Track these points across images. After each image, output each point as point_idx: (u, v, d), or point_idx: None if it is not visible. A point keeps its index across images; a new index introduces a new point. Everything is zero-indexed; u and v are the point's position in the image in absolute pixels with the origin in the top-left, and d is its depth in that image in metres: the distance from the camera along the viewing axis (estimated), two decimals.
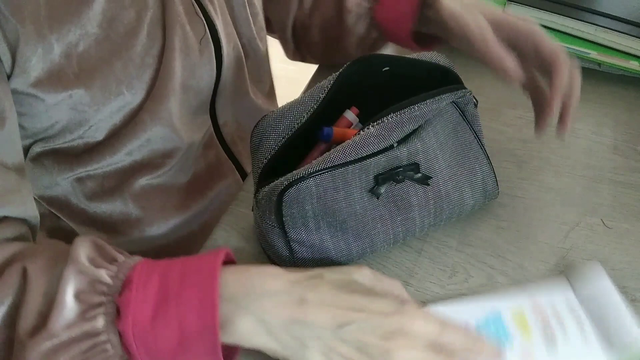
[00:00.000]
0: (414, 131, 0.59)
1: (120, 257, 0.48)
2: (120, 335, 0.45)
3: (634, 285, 0.58)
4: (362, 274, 0.50)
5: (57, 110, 0.58)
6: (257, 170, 0.59)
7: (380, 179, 0.57)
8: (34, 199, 0.70)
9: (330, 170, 0.55)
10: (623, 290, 0.58)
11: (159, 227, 0.74)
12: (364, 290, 0.48)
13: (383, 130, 0.56)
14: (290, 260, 0.58)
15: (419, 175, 0.59)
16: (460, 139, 0.62)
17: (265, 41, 0.81)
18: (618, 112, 0.78)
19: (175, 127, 0.67)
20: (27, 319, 0.45)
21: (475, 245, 0.62)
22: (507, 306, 0.55)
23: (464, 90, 0.61)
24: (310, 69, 0.88)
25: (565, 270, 0.59)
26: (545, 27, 0.84)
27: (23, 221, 0.54)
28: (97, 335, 0.44)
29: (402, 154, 0.58)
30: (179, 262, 0.47)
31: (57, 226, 0.74)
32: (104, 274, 0.46)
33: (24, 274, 0.46)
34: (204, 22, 0.65)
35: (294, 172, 0.55)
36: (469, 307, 0.56)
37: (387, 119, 0.57)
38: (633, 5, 0.83)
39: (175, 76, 0.63)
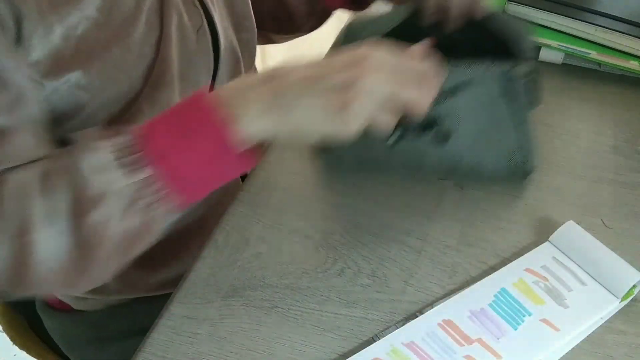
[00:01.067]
0: (445, 92, 0.61)
1: (122, 129, 0.52)
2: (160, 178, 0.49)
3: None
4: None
5: (54, 96, 0.58)
6: None
7: (400, 131, 0.61)
8: None
9: None
10: None
11: None
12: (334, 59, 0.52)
13: None
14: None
15: (437, 131, 0.61)
16: (492, 112, 0.63)
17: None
18: (618, 112, 0.78)
19: None
20: (87, 199, 0.49)
21: (475, 245, 0.62)
22: (507, 282, 0.58)
23: (506, 67, 0.61)
24: None
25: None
26: (545, 27, 0.84)
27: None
28: (149, 184, 0.49)
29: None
30: (169, 112, 0.52)
31: None
32: (122, 140, 0.50)
33: (65, 172, 0.50)
34: (201, 12, 0.65)
35: None
36: (474, 296, 0.57)
37: None
38: (633, 5, 0.83)
39: (173, 65, 0.63)
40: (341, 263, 0.61)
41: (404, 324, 0.55)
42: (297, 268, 0.61)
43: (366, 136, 0.52)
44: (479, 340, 0.54)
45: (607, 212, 0.65)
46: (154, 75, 0.62)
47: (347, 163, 0.69)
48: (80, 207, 0.49)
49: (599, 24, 0.81)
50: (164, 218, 0.52)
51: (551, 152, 0.72)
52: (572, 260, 0.59)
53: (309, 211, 0.66)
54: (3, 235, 0.49)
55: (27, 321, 0.86)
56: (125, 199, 0.49)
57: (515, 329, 0.54)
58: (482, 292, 0.57)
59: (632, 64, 0.80)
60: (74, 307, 0.77)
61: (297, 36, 0.91)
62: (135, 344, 0.56)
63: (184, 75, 0.65)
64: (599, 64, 0.82)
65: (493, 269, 0.60)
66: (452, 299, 0.57)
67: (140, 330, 0.58)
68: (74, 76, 0.57)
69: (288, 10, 0.85)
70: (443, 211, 0.66)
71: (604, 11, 0.82)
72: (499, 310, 0.56)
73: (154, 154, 0.49)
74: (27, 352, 0.86)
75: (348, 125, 0.50)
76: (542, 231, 0.63)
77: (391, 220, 0.65)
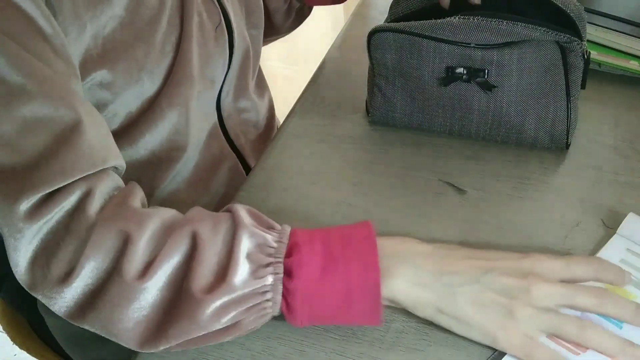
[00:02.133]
0: (497, 45, 0.65)
1: (277, 225, 0.53)
2: (284, 296, 0.49)
3: None
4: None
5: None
6: (388, 19, 0.72)
7: (451, 71, 0.67)
8: None
9: (407, 34, 0.67)
10: None
11: None
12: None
13: (464, 26, 0.64)
14: (368, 102, 0.75)
15: (483, 79, 0.66)
16: (548, 77, 0.67)
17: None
18: (618, 112, 0.78)
19: (189, 115, 0.67)
20: (204, 276, 0.48)
21: (475, 245, 0.62)
22: (594, 282, 0.56)
23: (568, 36, 0.64)
24: (309, 67, 0.88)
25: (613, 229, 0.62)
26: None
27: (115, 169, 0.55)
28: (264, 293, 0.49)
29: (477, 56, 0.66)
30: (335, 229, 0.53)
31: None
32: (269, 238, 0.51)
33: (194, 236, 0.49)
34: (219, 9, 0.66)
35: (382, 24, 0.68)
36: None
37: (472, 19, 0.63)
38: (633, 5, 0.83)
39: (192, 63, 0.64)
40: None
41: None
42: None
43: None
44: None
45: (607, 212, 0.65)
46: (173, 74, 0.63)
47: (400, 105, 0.72)
48: (186, 277, 0.48)
49: (599, 24, 0.81)
50: (254, 326, 0.51)
51: (551, 152, 0.72)
52: None
53: (309, 211, 0.66)
54: (96, 267, 0.48)
55: (28, 321, 0.87)
56: (235, 296, 0.48)
57: (621, 328, 0.53)
58: None
59: (632, 64, 0.80)
60: None
61: (276, 38, 0.91)
62: None
63: (203, 72, 0.66)
64: (599, 64, 0.82)
65: None
66: None
67: None
68: (100, 75, 0.57)
69: (267, 10, 0.85)
70: (443, 211, 0.66)
71: (604, 11, 0.82)
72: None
73: (292, 266, 0.49)
74: (27, 352, 0.86)
75: (509, 334, 0.50)
76: (544, 231, 0.63)
77: (391, 220, 0.65)
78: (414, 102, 0.72)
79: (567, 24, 0.65)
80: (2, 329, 0.86)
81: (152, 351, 0.50)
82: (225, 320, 0.48)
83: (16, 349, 0.85)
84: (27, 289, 0.51)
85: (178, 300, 0.48)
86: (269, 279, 0.49)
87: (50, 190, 0.48)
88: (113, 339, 0.50)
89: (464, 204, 0.67)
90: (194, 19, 0.63)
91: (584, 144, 0.73)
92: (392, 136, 0.75)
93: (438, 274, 0.51)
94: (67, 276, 0.48)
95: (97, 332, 0.50)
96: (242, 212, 0.52)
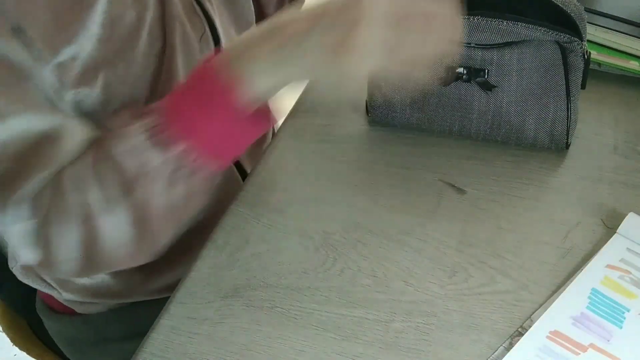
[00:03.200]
0: (497, 44, 0.65)
1: (148, 109, 0.54)
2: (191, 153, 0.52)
3: None
4: None
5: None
6: None
7: (451, 71, 0.66)
8: None
9: None
10: None
11: None
12: None
13: (464, 25, 0.63)
14: (368, 102, 0.74)
15: (483, 79, 0.66)
16: (548, 77, 0.67)
17: None
18: (618, 112, 0.78)
19: None
20: (132, 179, 0.53)
21: (475, 245, 0.62)
22: (595, 281, 0.57)
23: (569, 37, 0.64)
24: None
25: (613, 229, 0.62)
26: None
27: None
28: (182, 156, 0.52)
29: (477, 56, 0.66)
30: (186, 86, 0.53)
31: None
32: (151, 120, 0.53)
33: (108, 157, 0.54)
34: (203, 20, 0.65)
35: None
36: (569, 301, 0.56)
37: (472, 18, 0.64)
38: (633, 5, 0.83)
39: (178, 75, 0.63)
40: (341, 263, 0.61)
41: (510, 343, 0.54)
42: (297, 268, 0.61)
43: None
44: (592, 346, 0.53)
45: (607, 212, 0.65)
46: (160, 86, 0.63)
47: (399, 105, 0.72)
48: (127, 188, 0.53)
49: (599, 24, 0.81)
50: (205, 183, 0.56)
51: (551, 152, 0.72)
52: None
53: (309, 211, 0.66)
54: (70, 226, 0.54)
55: (28, 322, 0.86)
56: (164, 175, 0.53)
57: (621, 328, 0.54)
58: (575, 296, 0.56)
59: (632, 64, 0.80)
60: (77, 310, 0.77)
61: None
62: (136, 346, 0.56)
63: None
64: (599, 64, 0.82)
65: (493, 268, 0.60)
66: (549, 309, 0.55)
67: (141, 332, 0.58)
68: (81, 93, 0.57)
69: (259, 4, 0.84)
70: (443, 211, 0.66)
71: (604, 11, 0.82)
72: (598, 311, 0.55)
73: (180, 128, 0.52)
74: (27, 353, 0.86)
75: (354, 64, 0.48)
76: (544, 231, 0.63)
77: (391, 220, 0.65)
78: (414, 102, 0.72)
79: (567, 24, 0.65)
80: (2, 330, 0.86)
81: (155, 253, 0.59)
82: (176, 197, 0.54)
83: (16, 349, 0.85)
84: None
85: (138, 211, 0.54)
86: (176, 147, 0.52)
87: (24, 188, 0.54)
88: (122, 267, 0.59)
89: (464, 204, 0.67)
90: (176, 31, 0.62)
91: (584, 144, 0.73)
92: (392, 136, 0.75)
93: (277, 51, 0.50)
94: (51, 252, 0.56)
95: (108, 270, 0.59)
96: (122, 120, 0.56)
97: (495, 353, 0.53)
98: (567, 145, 0.71)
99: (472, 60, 0.67)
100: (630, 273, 0.58)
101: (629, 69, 0.81)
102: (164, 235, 0.58)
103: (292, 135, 0.76)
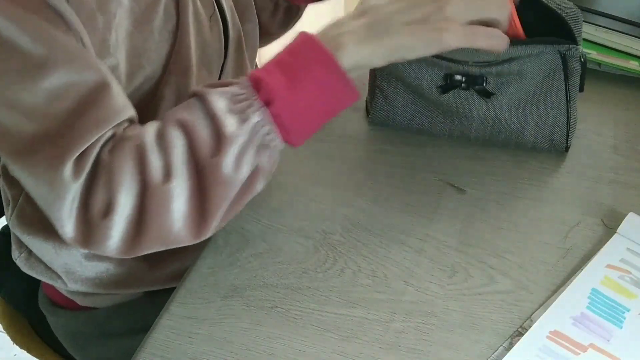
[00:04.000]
0: (496, 62, 0.65)
1: (234, 80, 0.56)
2: (275, 123, 0.54)
3: None
4: None
5: None
6: None
7: (449, 79, 0.66)
8: None
9: None
10: None
11: None
12: None
13: (461, 49, 0.61)
14: (368, 103, 0.76)
15: (481, 87, 0.66)
16: (548, 83, 0.67)
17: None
18: (618, 112, 0.78)
19: None
20: (207, 146, 0.53)
21: (475, 245, 0.62)
22: (595, 281, 0.57)
23: (567, 45, 0.64)
24: None
25: (613, 229, 0.62)
26: None
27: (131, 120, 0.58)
28: (259, 130, 0.53)
29: (475, 72, 0.66)
30: (282, 53, 0.56)
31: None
32: (235, 89, 0.54)
33: (181, 125, 0.54)
34: (213, 1, 0.67)
35: None
36: (569, 301, 0.56)
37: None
38: (633, 5, 0.83)
39: (191, 52, 0.65)
40: (341, 263, 0.61)
41: (510, 343, 0.54)
42: (297, 268, 0.61)
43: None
44: (592, 346, 0.53)
45: (607, 212, 0.65)
46: (172, 62, 0.64)
47: (401, 108, 0.72)
48: (195, 154, 0.53)
49: (599, 24, 0.81)
50: (271, 165, 0.56)
51: (551, 152, 0.72)
52: None
53: (309, 211, 0.66)
54: (127, 194, 0.52)
55: (28, 321, 0.87)
56: (238, 145, 0.53)
57: (621, 328, 0.54)
58: (575, 296, 0.56)
59: (632, 64, 0.80)
60: (80, 303, 0.77)
61: (271, 38, 0.90)
62: (139, 341, 0.56)
63: (201, 62, 0.67)
64: (599, 64, 0.82)
65: (493, 268, 0.60)
66: (549, 309, 0.56)
67: (144, 328, 0.58)
68: (109, 62, 0.58)
69: (255, 8, 0.84)
70: (443, 211, 0.66)
71: (604, 11, 0.82)
72: (598, 311, 0.55)
73: (265, 96, 0.53)
74: (28, 352, 0.86)
75: (450, 30, 0.53)
76: (544, 231, 0.63)
77: (391, 220, 0.65)
78: (415, 106, 0.72)
79: (563, 29, 0.64)
80: (2, 329, 0.86)
81: (210, 234, 0.56)
82: (246, 169, 0.54)
83: (16, 348, 0.85)
84: (79, 246, 0.55)
85: (203, 178, 0.53)
86: (255, 117, 0.53)
87: (86, 146, 0.52)
88: (175, 246, 0.56)
89: (464, 204, 0.67)
90: (189, 8, 0.64)
91: (584, 144, 0.73)
92: (392, 136, 0.75)
93: (368, 28, 0.54)
94: (108, 214, 0.52)
95: (158, 249, 0.56)
96: (201, 87, 0.56)
97: (495, 353, 0.53)
98: (567, 149, 0.71)
99: (470, 73, 0.67)
100: (630, 273, 0.58)
101: (629, 69, 0.81)
102: (220, 216, 0.55)
103: None
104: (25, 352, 0.86)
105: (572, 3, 0.67)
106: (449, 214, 0.65)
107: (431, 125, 0.72)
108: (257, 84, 0.53)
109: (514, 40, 0.62)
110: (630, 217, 0.62)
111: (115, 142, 0.54)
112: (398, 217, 0.65)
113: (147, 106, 0.65)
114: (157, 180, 0.52)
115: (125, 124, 0.56)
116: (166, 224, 0.53)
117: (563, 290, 0.57)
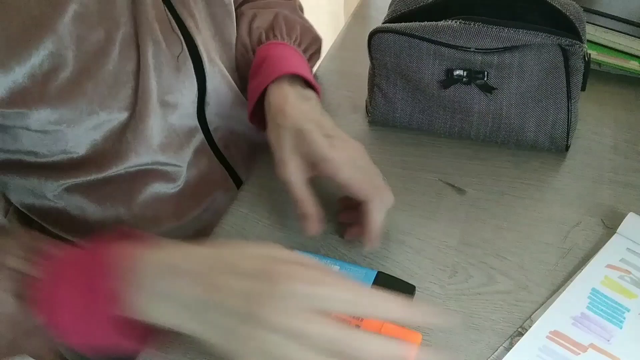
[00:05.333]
0: (498, 49, 0.65)
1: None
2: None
3: None
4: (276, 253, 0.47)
5: (25, 132, 0.58)
6: (386, 18, 0.72)
7: (450, 73, 0.67)
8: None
9: (407, 36, 0.67)
10: None
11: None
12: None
13: (464, 31, 0.64)
14: (368, 102, 0.76)
15: (483, 82, 0.66)
16: (549, 79, 0.67)
17: None
18: (618, 112, 0.78)
19: (159, 145, 0.66)
20: None
21: (475, 245, 0.62)
22: (595, 281, 0.57)
23: (570, 40, 0.64)
24: None
25: (613, 229, 0.63)
26: None
27: None
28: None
29: (477, 60, 0.66)
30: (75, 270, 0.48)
31: (42, 232, 0.73)
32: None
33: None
34: (181, 39, 0.64)
35: (385, 24, 0.69)
36: (569, 301, 0.56)
37: (473, 24, 0.64)
38: (633, 5, 0.83)
39: (152, 93, 0.62)
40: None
41: (510, 343, 0.54)
42: None
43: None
44: (592, 346, 0.53)
45: (607, 212, 0.65)
46: (137, 105, 0.62)
47: (400, 106, 0.73)
48: None
49: (599, 24, 0.81)
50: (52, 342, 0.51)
51: (551, 151, 0.72)
52: None
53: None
54: None
55: None
56: (10, 322, 0.49)
57: (621, 328, 0.54)
58: (575, 296, 0.57)
59: (632, 64, 0.80)
60: None
61: None
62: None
63: (163, 100, 0.64)
64: (599, 64, 0.82)
65: (493, 268, 0.60)
66: (549, 309, 0.56)
67: None
68: (43, 113, 0.56)
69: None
70: (443, 211, 0.66)
71: (604, 11, 0.82)
72: (598, 311, 0.55)
73: (49, 303, 0.47)
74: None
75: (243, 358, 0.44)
76: (544, 231, 0.63)
77: (391, 220, 0.65)
78: (415, 103, 0.72)
79: (567, 27, 0.65)
80: None
81: None
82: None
83: None
84: None
85: None
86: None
87: None
88: None
89: (464, 204, 0.67)
90: (149, 50, 0.61)
91: (584, 144, 0.73)
92: (392, 136, 0.75)
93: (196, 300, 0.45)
94: None
95: None
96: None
97: (495, 353, 0.53)
98: (567, 147, 0.71)
99: (472, 63, 0.67)
100: (630, 273, 0.58)
101: (629, 69, 0.81)
102: None
103: None
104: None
105: (575, 3, 0.67)
106: (449, 214, 0.65)
107: (431, 122, 0.72)
108: (44, 288, 0.48)
109: (517, 24, 0.63)
110: (630, 217, 0.62)
111: None
112: (398, 217, 0.65)
113: (114, 149, 0.63)
114: None
115: None
116: None
117: (563, 290, 0.57)
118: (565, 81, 0.67)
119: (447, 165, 0.71)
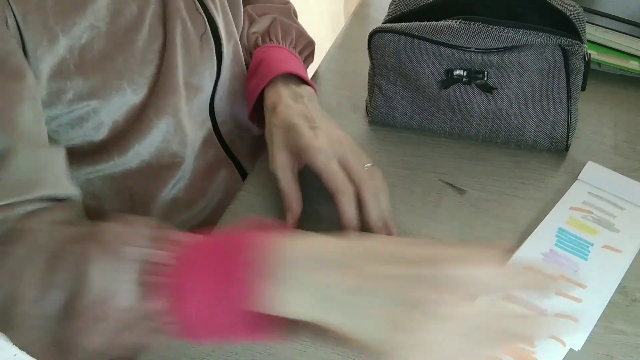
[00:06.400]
0: (498, 49, 0.66)
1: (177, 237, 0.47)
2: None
3: (633, 285, 0.58)
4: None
5: (57, 105, 0.58)
6: (386, 18, 0.73)
7: (450, 73, 0.67)
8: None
9: (407, 36, 0.67)
10: (623, 290, 0.58)
11: None
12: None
13: (464, 31, 0.64)
14: (368, 102, 0.76)
15: (483, 82, 0.66)
16: (549, 79, 0.68)
17: None
18: (618, 112, 0.78)
19: (181, 124, 0.67)
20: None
21: (475, 245, 0.62)
22: (561, 222, 0.64)
23: (570, 40, 0.64)
24: (309, 67, 0.88)
25: (575, 175, 0.68)
26: None
27: (65, 201, 0.53)
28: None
29: (477, 60, 0.67)
30: (213, 251, 0.45)
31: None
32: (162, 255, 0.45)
33: (80, 263, 0.46)
34: (205, 18, 0.65)
35: (385, 24, 0.69)
36: (539, 240, 0.62)
37: (473, 24, 0.64)
38: (633, 5, 0.83)
39: (177, 72, 0.64)
40: None
41: None
42: None
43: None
44: (561, 277, 0.55)
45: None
46: (159, 83, 0.63)
47: (400, 105, 0.73)
48: (72, 312, 0.45)
49: (599, 24, 0.81)
50: (154, 343, 0.48)
51: (551, 152, 0.72)
52: (605, 191, 0.66)
53: (308, 211, 0.66)
54: None
55: None
56: (123, 320, 0.44)
57: (586, 260, 0.60)
58: (543, 235, 0.63)
59: (632, 64, 0.80)
60: None
61: None
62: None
63: (188, 81, 0.66)
64: (599, 64, 0.82)
65: None
66: (520, 248, 0.62)
67: None
68: (76, 84, 0.57)
69: None
70: (443, 211, 0.66)
71: (604, 11, 0.82)
72: (565, 247, 0.61)
73: (178, 290, 0.44)
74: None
75: (401, 352, 0.40)
76: None
77: None
78: (415, 103, 0.72)
79: (567, 27, 0.65)
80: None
81: None
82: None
83: (16, 349, 0.85)
84: None
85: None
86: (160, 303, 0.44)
87: None
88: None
89: (464, 204, 0.67)
90: (177, 28, 0.62)
91: (584, 144, 0.73)
92: (392, 136, 0.75)
93: (336, 289, 0.42)
94: None
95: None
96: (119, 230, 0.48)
97: None
98: (567, 147, 0.71)
99: (472, 63, 0.67)
100: (592, 213, 0.65)
101: (629, 69, 0.81)
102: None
103: None
104: (25, 352, 0.86)
105: (575, 3, 0.67)
106: (449, 214, 0.65)
107: (431, 122, 0.72)
108: (176, 269, 0.44)
109: (517, 24, 0.63)
110: (590, 165, 0.68)
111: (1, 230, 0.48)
112: (398, 217, 0.65)
113: (134, 129, 0.64)
114: (21, 303, 0.46)
115: (29, 206, 0.49)
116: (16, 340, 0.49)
117: (532, 233, 0.62)
118: (565, 81, 0.67)
119: (447, 165, 0.71)
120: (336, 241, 0.45)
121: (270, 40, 0.78)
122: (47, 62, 0.54)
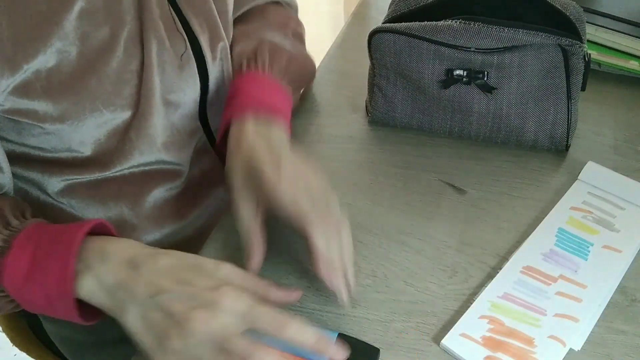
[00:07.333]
0: (498, 49, 0.66)
1: (15, 222, 0.55)
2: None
3: (633, 285, 0.58)
4: (220, 268, 0.52)
5: (26, 130, 0.59)
6: (386, 18, 0.73)
7: (450, 73, 0.67)
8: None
9: (407, 36, 0.67)
10: (623, 290, 0.58)
11: (154, 234, 0.73)
12: (199, 272, 0.51)
13: (464, 31, 0.64)
14: (368, 102, 0.76)
15: (483, 82, 0.66)
16: (549, 80, 0.68)
17: None
18: (618, 112, 0.78)
19: (166, 141, 0.66)
20: None
21: (475, 245, 0.62)
22: (561, 222, 0.64)
23: (570, 40, 0.64)
24: None
25: (575, 175, 0.68)
26: None
27: None
28: None
29: (477, 60, 0.67)
30: (52, 231, 0.54)
31: None
32: None
33: None
34: (185, 38, 0.64)
35: (385, 24, 0.70)
36: (539, 240, 0.62)
37: (473, 24, 0.64)
38: (633, 5, 0.83)
39: (156, 92, 0.62)
40: None
41: (489, 283, 0.58)
42: (297, 268, 0.61)
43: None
44: (562, 277, 0.59)
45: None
46: (140, 103, 0.62)
47: (400, 105, 0.73)
48: None
49: (599, 24, 0.81)
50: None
51: (550, 152, 0.72)
52: (605, 191, 0.66)
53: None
54: None
55: (28, 322, 0.86)
56: None
57: (586, 260, 0.60)
58: (543, 235, 0.62)
59: (632, 64, 0.80)
60: None
61: None
62: (134, 348, 0.56)
63: (168, 100, 0.64)
64: (599, 64, 0.82)
65: (493, 268, 0.60)
66: (520, 249, 0.61)
67: None
68: (42, 106, 0.56)
69: None
70: (443, 211, 0.66)
71: (604, 11, 0.82)
72: (565, 247, 0.61)
73: (6, 273, 0.52)
74: (27, 354, 0.86)
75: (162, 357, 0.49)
76: None
77: (391, 220, 0.65)
78: (415, 103, 0.72)
79: (567, 27, 0.65)
80: (2, 330, 0.86)
81: None
82: None
83: (16, 349, 0.85)
84: None
85: None
86: None
87: None
88: None
89: (464, 204, 0.67)
90: (153, 48, 0.61)
91: (584, 143, 0.73)
92: (392, 136, 0.75)
93: (118, 284, 0.51)
94: None
95: None
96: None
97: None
98: (567, 147, 0.71)
99: (472, 63, 0.67)
100: (592, 213, 0.64)
101: (629, 69, 0.81)
102: None
103: (292, 135, 0.76)
104: (25, 353, 0.86)
105: (575, 3, 0.67)
106: (449, 214, 0.65)
107: (431, 122, 0.72)
108: (10, 252, 0.53)
109: (517, 24, 0.63)
110: (590, 165, 0.68)
111: None
112: (398, 217, 0.65)
113: (114, 147, 0.63)
114: None
115: None
116: None
117: (533, 231, 0.62)
118: (565, 81, 0.67)
119: (447, 165, 0.71)
120: (142, 247, 0.53)
121: (256, 66, 0.71)
122: (10, 86, 0.54)
